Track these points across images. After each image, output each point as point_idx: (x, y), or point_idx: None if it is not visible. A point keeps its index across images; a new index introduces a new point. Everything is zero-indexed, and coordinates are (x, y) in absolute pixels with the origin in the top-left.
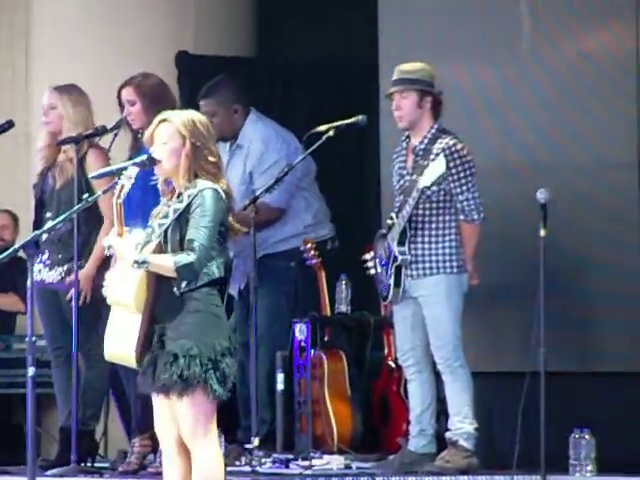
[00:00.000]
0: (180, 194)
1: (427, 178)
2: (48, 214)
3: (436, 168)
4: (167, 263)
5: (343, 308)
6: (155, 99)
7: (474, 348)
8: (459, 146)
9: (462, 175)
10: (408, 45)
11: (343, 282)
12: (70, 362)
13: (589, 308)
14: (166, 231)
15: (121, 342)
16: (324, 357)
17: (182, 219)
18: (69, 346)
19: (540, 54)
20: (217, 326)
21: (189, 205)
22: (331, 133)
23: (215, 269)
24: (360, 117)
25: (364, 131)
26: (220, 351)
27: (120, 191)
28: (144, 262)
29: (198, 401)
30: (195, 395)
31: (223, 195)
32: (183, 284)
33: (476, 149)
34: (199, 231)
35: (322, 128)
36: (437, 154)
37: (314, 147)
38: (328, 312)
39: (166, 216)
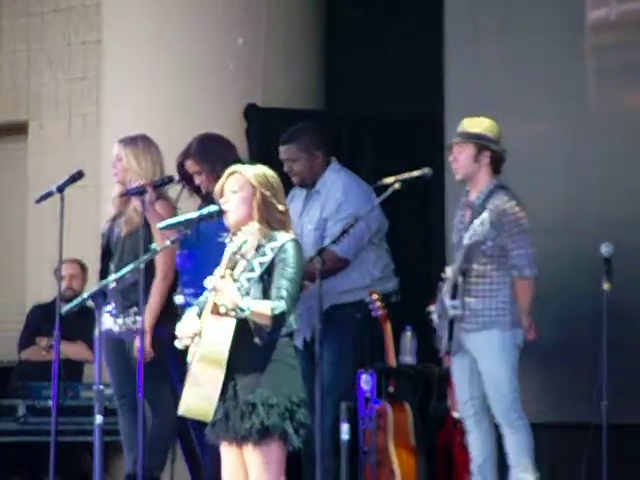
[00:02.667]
0: (259, 246)
1: (468, 236)
2: (112, 263)
3: (477, 228)
4: (265, 310)
5: (408, 359)
6: (219, 160)
7: (537, 399)
8: (508, 205)
9: (515, 231)
10: (473, 99)
11: (408, 333)
12: (135, 410)
13: None
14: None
15: (198, 397)
16: (389, 408)
17: (265, 273)
18: (135, 395)
19: (605, 110)
20: (293, 377)
21: (273, 258)
22: (397, 186)
23: (293, 320)
24: (426, 170)
25: (430, 184)
26: (296, 402)
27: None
28: (246, 309)
29: (273, 451)
30: (270, 445)
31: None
32: (266, 334)
33: (541, 204)
34: (287, 281)
35: (388, 180)
36: (492, 210)
37: (380, 199)
38: (393, 363)
39: (252, 270)
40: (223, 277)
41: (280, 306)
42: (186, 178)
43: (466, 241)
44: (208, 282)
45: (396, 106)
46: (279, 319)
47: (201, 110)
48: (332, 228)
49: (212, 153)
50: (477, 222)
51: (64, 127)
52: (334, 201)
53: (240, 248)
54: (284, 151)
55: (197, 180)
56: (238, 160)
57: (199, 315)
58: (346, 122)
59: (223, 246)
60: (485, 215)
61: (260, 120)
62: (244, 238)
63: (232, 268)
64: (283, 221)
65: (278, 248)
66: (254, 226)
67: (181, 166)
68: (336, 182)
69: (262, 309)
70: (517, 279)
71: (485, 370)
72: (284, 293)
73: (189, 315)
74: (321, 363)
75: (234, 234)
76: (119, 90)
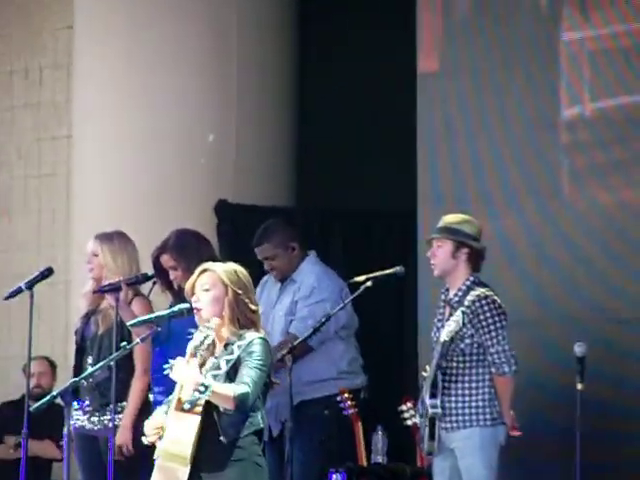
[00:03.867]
0: (227, 344)
1: (444, 334)
2: (89, 360)
3: (452, 325)
4: (227, 392)
5: (379, 459)
6: (195, 256)
7: None
8: (490, 299)
9: (492, 327)
10: (446, 195)
11: (379, 432)
12: None
13: (629, 456)
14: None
15: None
16: None
17: (231, 370)
18: None
19: (578, 205)
20: (259, 475)
21: (239, 355)
22: (369, 284)
23: (260, 419)
24: (398, 268)
25: (402, 281)
26: None
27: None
28: (208, 387)
29: None
30: None
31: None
32: (231, 431)
33: (513, 299)
34: (251, 370)
35: (360, 278)
36: (468, 306)
37: (352, 297)
38: (364, 462)
39: (218, 367)
40: (187, 362)
41: (243, 389)
42: (160, 272)
43: (442, 338)
44: (174, 364)
45: (367, 202)
46: (241, 402)
47: (172, 205)
48: (300, 311)
49: (189, 249)
50: (452, 319)
51: (33, 222)
52: (307, 286)
53: (202, 343)
54: (260, 252)
55: (172, 275)
56: (214, 257)
57: (166, 413)
58: (317, 217)
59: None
60: (459, 313)
61: (231, 216)
62: (205, 333)
63: (201, 365)
64: (254, 320)
65: (245, 345)
66: (214, 321)
67: (157, 260)
68: (311, 270)
69: (224, 390)
70: (496, 376)
71: (464, 468)
72: (247, 379)
73: (158, 412)
74: (292, 462)
75: (201, 336)
76: (90, 185)
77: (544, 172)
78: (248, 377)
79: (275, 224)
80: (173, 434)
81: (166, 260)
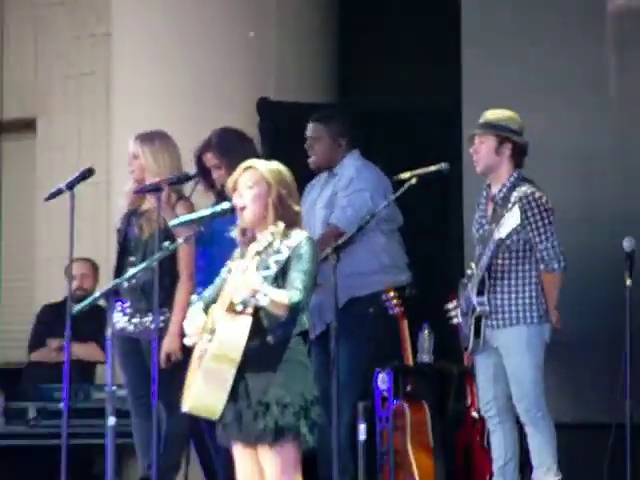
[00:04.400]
0: (270, 243)
1: (503, 230)
2: (132, 260)
3: (511, 220)
4: (283, 299)
5: (426, 358)
6: (238, 154)
7: (558, 399)
8: (537, 195)
9: (540, 224)
10: (491, 92)
11: (425, 331)
12: (151, 412)
13: None
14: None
15: (207, 394)
16: (406, 407)
17: (279, 271)
18: (151, 396)
19: (625, 100)
20: (305, 375)
21: (289, 256)
22: (413, 181)
23: (305, 319)
24: (443, 165)
25: (447, 178)
26: (310, 400)
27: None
28: (266, 294)
29: (288, 451)
30: (286, 444)
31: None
32: (279, 332)
33: (560, 197)
34: (302, 275)
35: (405, 175)
36: (514, 203)
37: (397, 194)
38: (410, 361)
39: (267, 267)
40: (246, 269)
41: (296, 295)
42: (203, 171)
43: (499, 235)
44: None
45: (411, 98)
46: (294, 309)
47: (213, 104)
48: (340, 201)
49: (232, 147)
50: (509, 215)
51: (73, 123)
52: (346, 177)
53: (266, 248)
54: (311, 128)
55: (215, 174)
56: (257, 156)
57: (204, 311)
58: (360, 116)
59: (235, 243)
60: (515, 209)
61: (272, 114)
62: (270, 239)
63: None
64: (296, 221)
65: (294, 246)
66: (280, 226)
67: (199, 158)
68: (352, 164)
69: (280, 297)
70: (545, 273)
71: (510, 367)
72: (299, 284)
73: (194, 311)
74: (337, 362)
75: (243, 231)
76: (129, 85)
77: (591, 67)
78: (300, 282)
79: (337, 114)
80: (223, 335)
81: (209, 159)
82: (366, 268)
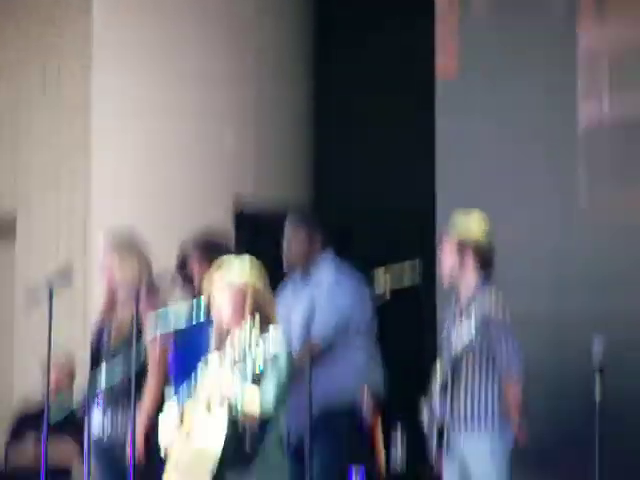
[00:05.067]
0: (248, 342)
1: (459, 344)
2: (103, 367)
3: (464, 336)
4: (254, 412)
5: (398, 459)
6: (216, 256)
7: None
8: (498, 305)
9: (501, 336)
10: (466, 194)
11: (398, 433)
12: None
13: None
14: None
15: None
16: None
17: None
18: None
19: (595, 207)
20: (282, 476)
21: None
22: (387, 297)
23: (281, 425)
24: (416, 279)
25: (421, 289)
26: None
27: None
28: (239, 407)
29: None
30: None
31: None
32: (255, 441)
33: (527, 297)
34: (276, 388)
35: (380, 278)
36: (476, 314)
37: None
38: (382, 463)
39: (244, 364)
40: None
41: (267, 411)
42: (183, 275)
43: (457, 350)
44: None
45: (386, 202)
46: (262, 424)
47: (191, 200)
48: (320, 315)
49: (212, 257)
50: (464, 331)
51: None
52: (325, 290)
53: (244, 349)
54: (291, 230)
55: (197, 280)
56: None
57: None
58: (334, 216)
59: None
60: (472, 323)
61: (249, 225)
62: (247, 336)
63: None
64: (271, 313)
65: (273, 354)
66: (256, 320)
67: (181, 266)
68: (330, 273)
69: (252, 410)
70: (505, 382)
71: (474, 473)
72: (271, 397)
73: (170, 411)
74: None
75: (220, 331)
76: (108, 183)
77: (561, 171)
78: (273, 396)
79: (310, 215)
80: (199, 442)
81: (193, 262)
82: (344, 383)
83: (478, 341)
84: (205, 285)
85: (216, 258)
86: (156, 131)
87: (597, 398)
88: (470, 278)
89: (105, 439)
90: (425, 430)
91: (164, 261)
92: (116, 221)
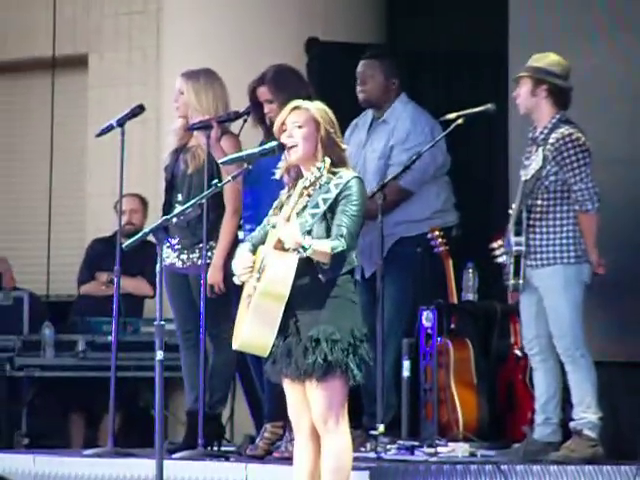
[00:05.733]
0: (320, 184)
1: (527, 173)
2: (179, 197)
3: (534, 164)
4: (326, 249)
5: (470, 296)
6: (292, 92)
7: (602, 338)
8: (574, 136)
9: (576, 165)
10: (538, 34)
11: (470, 270)
12: (199, 346)
13: None
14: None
15: (257, 331)
16: (450, 345)
17: (327, 210)
18: (198, 330)
19: None
20: (354, 312)
21: (337, 195)
22: (460, 121)
23: (354, 257)
24: (489, 105)
25: (493, 119)
26: (359, 337)
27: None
28: (308, 247)
29: (335, 386)
30: (334, 380)
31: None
32: (329, 271)
33: (605, 137)
34: (349, 219)
35: (451, 116)
36: (552, 144)
37: (443, 134)
38: (455, 300)
39: (316, 206)
40: (287, 219)
41: (340, 245)
42: (255, 104)
43: (523, 177)
44: (275, 220)
45: (459, 40)
46: (338, 258)
47: (262, 43)
48: (398, 156)
49: (287, 84)
50: (533, 157)
51: (124, 60)
52: (403, 130)
53: (313, 184)
54: (364, 64)
55: (266, 108)
56: (310, 96)
57: (252, 251)
58: (408, 56)
59: (282, 182)
60: (539, 152)
61: (321, 54)
62: (317, 174)
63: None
64: (344, 159)
65: (342, 185)
66: (327, 161)
67: (253, 92)
68: (404, 113)
69: (323, 248)
70: (580, 214)
71: (549, 306)
72: (344, 231)
73: (242, 251)
74: (382, 300)
75: (288, 169)
76: (179, 24)
77: (636, 10)
78: (345, 228)
79: (389, 54)
80: (273, 273)
81: (263, 93)
82: (418, 216)
83: (553, 173)
84: (277, 126)
85: (289, 88)
86: None
87: None
88: (545, 110)
89: (179, 269)
90: (504, 261)
91: (236, 103)
92: (187, 60)
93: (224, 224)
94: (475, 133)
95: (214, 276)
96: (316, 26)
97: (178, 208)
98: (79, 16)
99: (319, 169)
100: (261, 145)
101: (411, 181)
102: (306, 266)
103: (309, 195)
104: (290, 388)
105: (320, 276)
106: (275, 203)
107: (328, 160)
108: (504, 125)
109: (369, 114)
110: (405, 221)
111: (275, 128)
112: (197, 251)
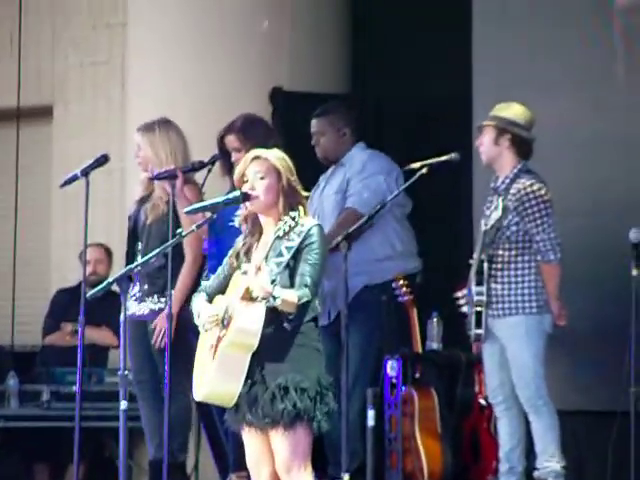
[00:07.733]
0: (284, 232)
1: (488, 222)
2: (139, 247)
3: (495, 213)
4: (293, 299)
5: (435, 345)
6: (260, 142)
7: (563, 387)
8: (535, 187)
9: (537, 216)
10: (502, 81)
11: (435, 319)
12: (154, 395)
13: None
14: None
15: (224, 381)
16: (415, 394)
17: (291, 259)
18: (152, 380)
19: (634, 90)
20: (320, 361)
21: (300, 243)
22: (424, 170)
23: (317, 304)
24: (453, 154)
25: (457, 168)
26: (325, 385)
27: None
28: (277, 297)
29: (301, 435)
30: (299, 429)
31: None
32: (294, 319)
33: (567, 187)
34: (312, 267)
35: (415, 165)
36: (514, 194)
37: (407, 184)
38: (419, 349)
39: (280, 254)
40: (259, 268)
41: (305, 295)
42: (223, 153)
43: (483, 227)
44: (246, 268)
45: (423, 88)
46: (302, 306)
47: (227, 93)
48: (355, 186)
49: (255, 133)
50: (493, 207)
51: (89, 110)
52: (358, 162)
53: (288, 232)
54: (314, 124)
55: (234, 157)
56: (277, 146)
57: (208, 301)
58: (372, 106)
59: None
60: (500, 201)
61: (285, 104)
62: (292, 223)
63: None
64: (304, 205)
65: (305, 233)
66: (301, 210)
67: (221, 140)
68: (363, 154)
69: (291, 298)
70: (542, 264)
71: (511, 356)
72: (309, 280)
73: (200, 301)
74: (347, 350)
75: (246, 218)
76: (144, 74)
77: (600, 59)
78: (309, 278)
79: (336, 104)
80: (240, 323)
81: (231, 141)
82: (380, 254)
83: (515, 224)
84: (238, 177)
85: (257, 137)
86: (192, 24)
87: (634, 273)
88: (507, 160)
89: (138, 317)
90: (467, 313)
91: (201, 153)
92: (151, 109)
93: (183, 272)
94: (439, 181)
95: (164, 322)
96: (281, 76)
97: (140, 258)
98: (44, 66)
99: (293, 218)
100: (226, 194)
101: (366, 202)
102: (271, 315)
103: (275, 245)
104: (250, 437)
105: (285, 325)
106: (230, 252)
107: (302, 209)
108: (469, 173)
109: (331, 169)
110: (368, 259)
111: (235, 178)
112: (156, 298)
